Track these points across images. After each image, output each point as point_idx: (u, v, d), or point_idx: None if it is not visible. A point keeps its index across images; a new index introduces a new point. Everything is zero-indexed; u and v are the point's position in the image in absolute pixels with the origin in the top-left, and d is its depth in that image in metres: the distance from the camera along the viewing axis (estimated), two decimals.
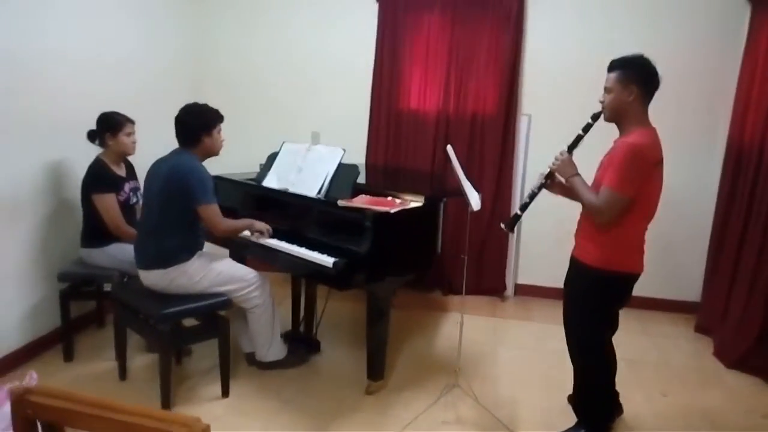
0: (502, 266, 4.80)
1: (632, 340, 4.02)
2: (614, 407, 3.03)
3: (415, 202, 3.16)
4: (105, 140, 3.51)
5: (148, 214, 3.11)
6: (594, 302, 2.70)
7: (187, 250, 3.06)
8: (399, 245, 3.08)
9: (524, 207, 2.79)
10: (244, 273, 3.21)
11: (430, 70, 4.69)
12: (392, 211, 2.97)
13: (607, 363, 2.82)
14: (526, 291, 4.92)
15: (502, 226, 2.85)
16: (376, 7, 4.73)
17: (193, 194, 2.97)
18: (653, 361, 3.81)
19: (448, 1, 4.57)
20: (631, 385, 3.22)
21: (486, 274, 4.81)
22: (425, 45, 4.67)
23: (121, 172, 3.62)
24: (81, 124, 3.51)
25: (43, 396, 1.40)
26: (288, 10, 4.93)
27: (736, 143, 4.13)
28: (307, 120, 4.95)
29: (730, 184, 4.15)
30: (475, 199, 2.96)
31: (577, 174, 2.65)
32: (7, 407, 1.64)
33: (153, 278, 3.06)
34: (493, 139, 4.63)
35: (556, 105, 4.62)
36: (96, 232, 3.50)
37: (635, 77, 2.54)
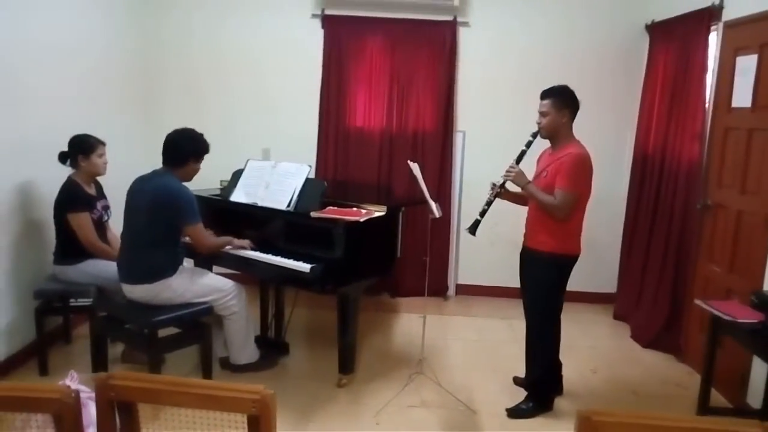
0: (445, 269, 5.28)
1: (563, 327, 4.56)
2: (558, 380, 3.55)
3: (378, 211, 3.54)
4: (78, 161, 3.67)
5: (132, 230, 3.30)
6: (552, 282, 3.27)
7: (171, 266, 3.28)
8: (367, 250, 3.47)
9: (483, 213, 3.30)
10: (224, 284, 3.47)
11: (373, 91, 5.11)
12: (362, 220, 3.34)
13: (559, 337, 3.42)
14: (465, 290, 5.42)
15: (466, 229, 3.33)
16: (322, 32, 5.09)
17: (182, 215, 3.21)
18: (582, 345, 4.39)
19: (389, 28, 5.02)
20: (566, 366, 3.71)
21: (430, 277, 5.23)
22: (369, 68, 5.09)
23: (92, 191, 3.78)
24: (46, 144, 3.69)
25: (123, 379, 1.67)
26: (237, 33, 5.19)
27: (640, 153, 4.82)
28: (257, 137, 5.23)
29: (638, 189, 4.82)
30: (436, 208, 3.38)
31: (530, 182, 3.19)
32: (91, 407, 1.85)
33: (138, 292, 3.26)
34: (432, 153, 5.11)
35: (486, 122, 5.19)
36: (70, 250, 3.65)
37: (567, 103, 3.16)
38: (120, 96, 4.82)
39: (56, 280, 3.71)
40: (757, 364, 3.26)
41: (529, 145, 3.27)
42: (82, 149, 3.66)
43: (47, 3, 3.85)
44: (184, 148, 3.30)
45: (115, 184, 3.99)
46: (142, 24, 5.10)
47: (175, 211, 3.20)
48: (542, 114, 3.20)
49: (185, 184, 3.39)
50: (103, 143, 3.75)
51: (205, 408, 1.64)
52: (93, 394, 1.81)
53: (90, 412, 1.85)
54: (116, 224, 3.95)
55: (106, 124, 4.30)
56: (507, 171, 3.23)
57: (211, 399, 1.62)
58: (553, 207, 3.11)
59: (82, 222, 3.62)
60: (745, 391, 3.39)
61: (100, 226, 3.79)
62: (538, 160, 3.40)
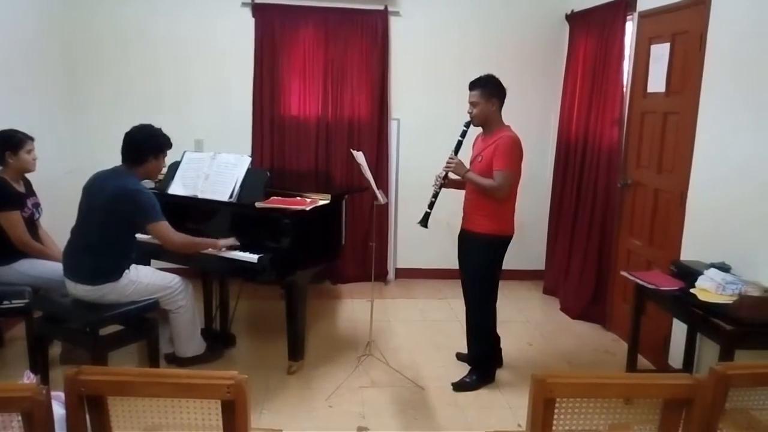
0: (384, 254, 5.40)
1: (498, 304, 4.81)
2: (497, 353, 3.77)
3: (322, 200, 3.61)
4: (5, 158, 3.51)
5: (85, 228, 3.20)
6: (489, 261, 3.46)
7: (119, 269, 3.20)
8: (314, 239, 3.53)
9: (431, 205, 3.43)
10: (169, 280, 3.43)
11: (308, 80, 5.13)
12: (307, 209, 3.40)
13: (495, 312, 3.61)
14: (404, 274, 5.58)
15: (417, 223, 3.44)
16: (252, 21, 5.06)
17: (143, 214, 3.12)
18: (516, 319, 4.64)
19: (320, 17, 5.05)
20: (503, 340, 3.91)
21: (370, 262, 5.35)
22: (302, 57, 5.10)
23: (22, 188, 3.64)
24: None
25: (92, 374, 1.68)
26: (166, 23, 5.06)
27: (564, 137, 5.09)
28: (189, 129, 5.13)
29: (562, 171, 5.10)
30: (381, 195, 3.48)
31: (469, 170, 3.34)
32: (62, 410, 1.82)
33: (82, 291, 3.17)
34: (368, 141, 5.19)
35: (419, 110, 5.34)
36: (2, 250, 3.50)
37: (494, 92, 3.35)
38: (42, 88, 4.60)
39: None
40: (677, 329, 3.56)
41: (463, 135, 3.43)
42: (9, 145, 3.51)
43: None
44: (143, 145, 3.20)
45: (41, 179, 3.86)
46: (65, 11, 4.87)
47: (134, 212, 3.11)
48: (472, 104, 3.36)
49: (148, 182, 3.33)
50: (31, 138, 3.61)
51: (180, 396, 1.67)
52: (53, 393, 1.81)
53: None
54: (46, 221, 3.85)
55: (29, 118, 4.10)
56: (447, 163, 3.38)
57: (185, 387, 1.66)
58: (494, 188, 3.27)
59: (13, 221, 3.49)
60: (666, 353, 3.70)
61: (32, 224, 3.66)
62: (473, 146, 3.57)
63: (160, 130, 3.31)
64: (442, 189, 3.49)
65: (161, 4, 5.04)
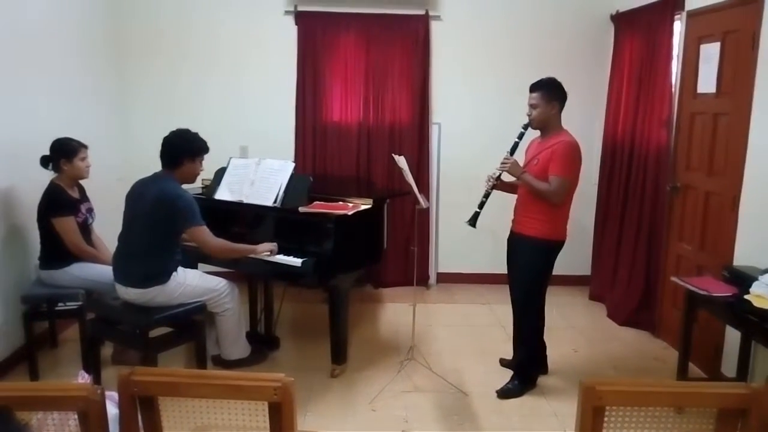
0: (426, 258, 5.39)
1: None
2: (542, 360, 3.72)
3: (364, 204, 3.62)
4: (60, 165, 3.64)
5: (130, 234, 3.29)
6: (540, 266, 3.40)
7: (167, 272, 3.27)
8: (356, 243, 3.55)
9: (481, 205, 3.40)
10: (216, 283, 3.49)
11: (349, 86, 5.18)
12: (350, 213, 3.42)
13: (543, 318, 3.57)
14: (446, 279, 5.55)
15: (466, 222, 3.41)
16: (295, 28, 5.13)
17: (182, 218, 3.20)
18: (562, 325, 4.55)
19: (362, 23, 5.09)
20: (548, 346, 3.87)
21: (412, 267, 5.34)
22: (344, 63, 5.16)
23: (76, 194, 3.76)
24: (24, 148, 3.68)
25: (144, 375, 1.72)
26: (211, 32, 5.18)
27: (610, 139, 5.00)
28: (234, 135, 5.24)
29: (609, 174, 5.00)
30: (423, 199, 3.48)
31: (525, 171, 3.30)
32: (115, 409, 1.88)
33: (132, 295, 3.26)
34: (410, 145, 5.20)
35: (460, 114, 5.32)
36: (56, 254, 3.63)
37: (556, 95, 3.30)
38: (91, 96, 4.74)
39: (43, 284, 3.69)
40: (730, 336, 3.45)
41: (521, 136, 3.38)
42: (64, 153, 3.64)
43: None
44: (177, 148, 3.28)
45: (94, 186, 3.98)
46: (112, 21, 5.03)
47: (174, 216, 3.19)
48: (532, 106, 3.31)
49: (195, 187, 3.40)
50: (85, 146, 3.73)
51: (228, 398, 1.70)
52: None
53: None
54: (99, 226, 3.97)
55: (79, 124, 4.23)
56: (502, 162, 3.33)
57: (233, 389, 1.69)
58: (549, 193, 3.22)
59: (67, 226, 3.61)
60: (719, 361, 3.59)
61: (85, 229, 3.78)
62: (527, 150, 3.52)
63: (196, 134, 3.36)
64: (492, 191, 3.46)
65: (206, 12, 5.16)
